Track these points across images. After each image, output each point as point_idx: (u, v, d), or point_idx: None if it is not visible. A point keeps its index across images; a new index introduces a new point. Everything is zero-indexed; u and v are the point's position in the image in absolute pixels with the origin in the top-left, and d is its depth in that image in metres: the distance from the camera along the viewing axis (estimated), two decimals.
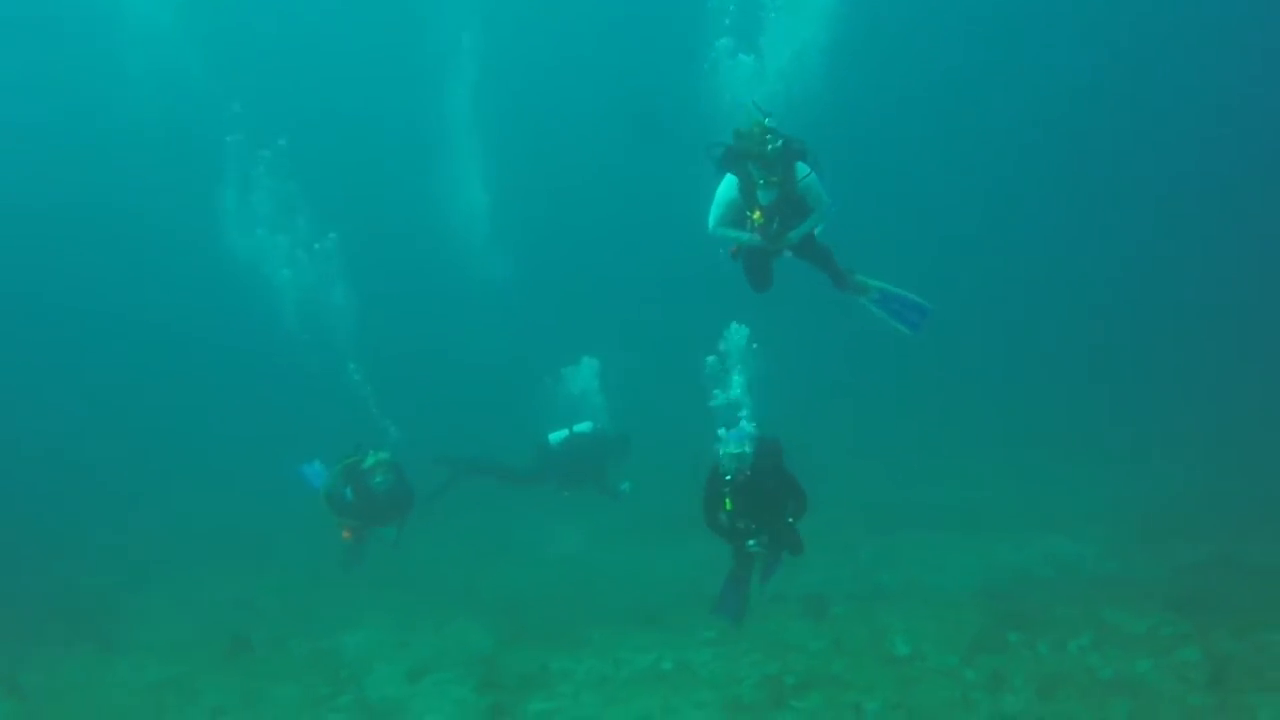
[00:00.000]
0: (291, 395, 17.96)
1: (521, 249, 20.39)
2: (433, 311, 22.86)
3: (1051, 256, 24.65)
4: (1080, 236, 25.01)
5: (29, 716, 8.91)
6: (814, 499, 7.39)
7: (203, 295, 21.21)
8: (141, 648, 10.32)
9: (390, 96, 22.92)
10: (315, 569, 11.79)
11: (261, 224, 14.35)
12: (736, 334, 8.26)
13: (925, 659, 8.65)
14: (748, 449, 7.21)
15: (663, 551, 12.48)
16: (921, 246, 21.88)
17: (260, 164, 14.45)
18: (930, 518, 13.13)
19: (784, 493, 7.34)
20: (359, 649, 10.00)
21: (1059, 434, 16.22)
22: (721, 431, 7.37)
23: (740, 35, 9.51)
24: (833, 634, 9.34)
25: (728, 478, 7.21)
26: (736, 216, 7.24)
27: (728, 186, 7.11)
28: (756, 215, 7.12)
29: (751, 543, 7.48)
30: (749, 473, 7.19)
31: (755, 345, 8.25)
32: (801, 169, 6.91)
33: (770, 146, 6.63)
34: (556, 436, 11.22)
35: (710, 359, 8.23)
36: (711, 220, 7.32)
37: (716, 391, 8.00)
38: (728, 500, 7.30)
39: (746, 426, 7.53)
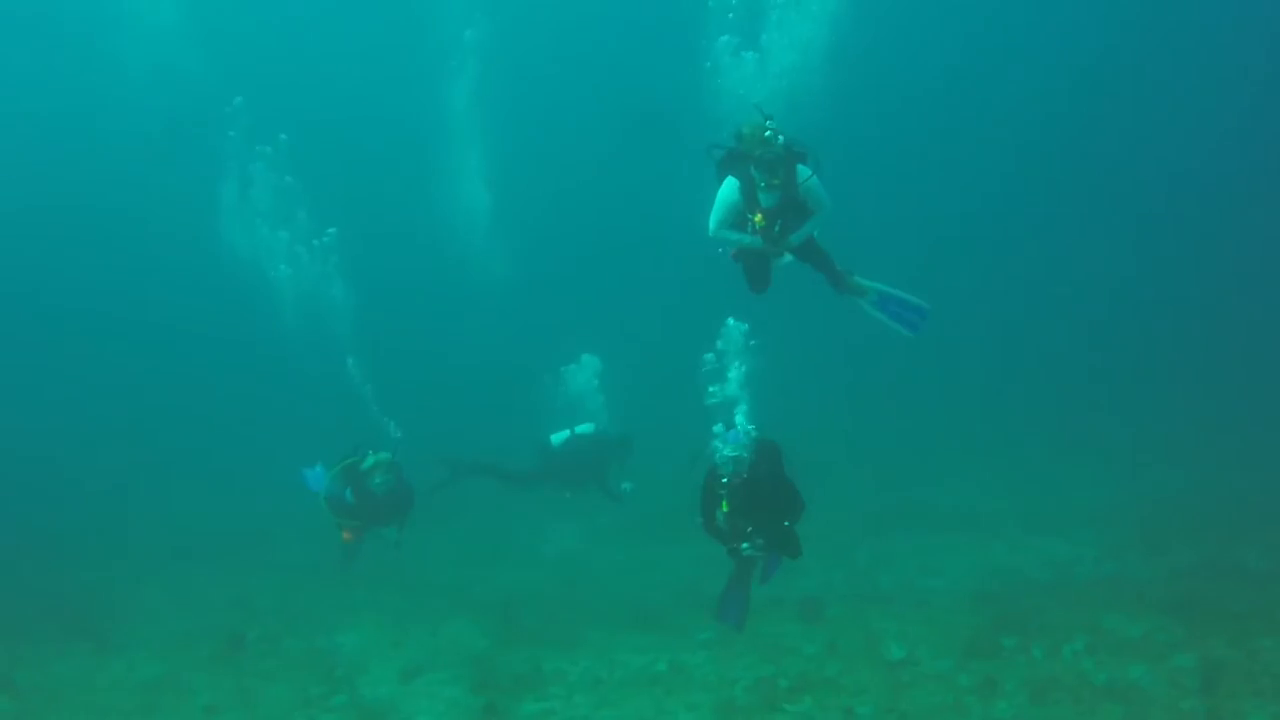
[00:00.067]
0: (290, 392, 17.96)
1: (522, 247, 20.36)
2: (432, 309, 22.85)
3: (1050, 257, 24.62)
4: (1079, 237, 24.96)
5: (23, 714, 8.89)
6: (810, 501, 7.34)
7: (202, 292, 21.19)
8: (136, 646, 10.30)
9: (391, 93, 22.87)
10: (311, 568, 11.80)
11: (262, 220, 14.33)
12: (734, 330, 8.21)
13: (919, 663, 8.67)
14: (745, 453, 7.15)
15: (659, 551, 12.48)
16: (921, 246, 21.88)
17: (261, 160, 14.44)
18: (927, 520, 13.14)
19: (781, 496, 7.30)
20: (353, 648, 10.00)
21: (1056, 436, 16.23)
22: (718, 429, 7.32)
23: (742, 32, 9.46)
24: (827, 637, 9.36)
25: (724, 480, 7.16)
26: (738, 219, 7.17)
27: (729, 189, 7.04)
28: (758, 218, 7.06)
29: (746, 546, 7.44)
30: (746, 475, 7.14)
31: (753, 342, 8.21)
32: (803, 171, 6.85)
33: (772, 149, 6.60)
34: (558, 437, 11.19)
35: (708, 356, 8.20)
36: (712, 223, 7.26)
37: (713, 389, 7.96)
38: (724, 502, 7.25)
39: (746, 428, 7.50)
